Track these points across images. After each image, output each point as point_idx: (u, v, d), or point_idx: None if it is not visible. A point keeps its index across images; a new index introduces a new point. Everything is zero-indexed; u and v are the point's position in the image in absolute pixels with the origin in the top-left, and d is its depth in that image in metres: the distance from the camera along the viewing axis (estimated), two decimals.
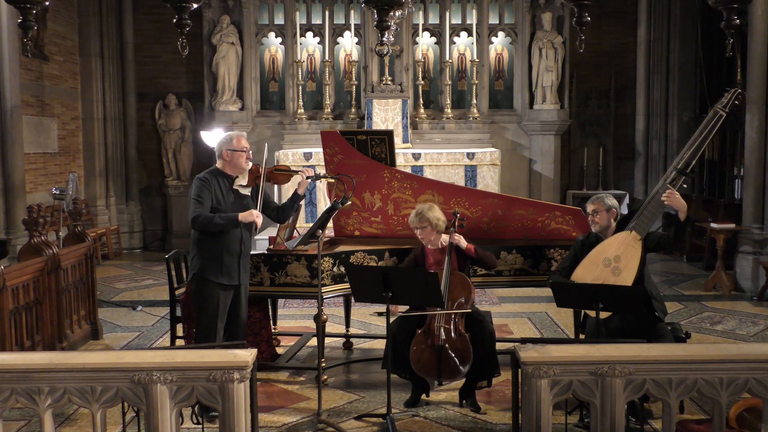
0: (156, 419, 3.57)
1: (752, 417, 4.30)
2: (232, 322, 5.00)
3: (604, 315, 4.61)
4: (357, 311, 7.48)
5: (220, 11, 11.40)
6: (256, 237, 9.26)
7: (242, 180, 4.96)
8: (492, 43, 11.79)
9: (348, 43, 11.55)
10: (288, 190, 8.02)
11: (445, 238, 5.25)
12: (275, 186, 9.45)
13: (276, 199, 9.77)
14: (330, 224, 5.97)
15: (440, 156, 10.63)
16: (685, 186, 4.97)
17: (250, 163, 4.96)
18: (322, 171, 5.42)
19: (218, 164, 4.95)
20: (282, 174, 5.18)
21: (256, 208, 4.94)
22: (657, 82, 12.11)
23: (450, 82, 11.42)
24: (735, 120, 9.51)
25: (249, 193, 5.02)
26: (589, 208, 5.01)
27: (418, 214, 5.21)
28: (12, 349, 5.57)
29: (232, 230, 4.84)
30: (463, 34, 11.67)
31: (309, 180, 5.13)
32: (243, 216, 4.81)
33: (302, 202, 5.58)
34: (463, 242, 5.17)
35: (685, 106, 11.83)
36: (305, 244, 5.53)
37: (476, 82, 11.42)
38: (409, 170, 9.98)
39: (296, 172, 5.22)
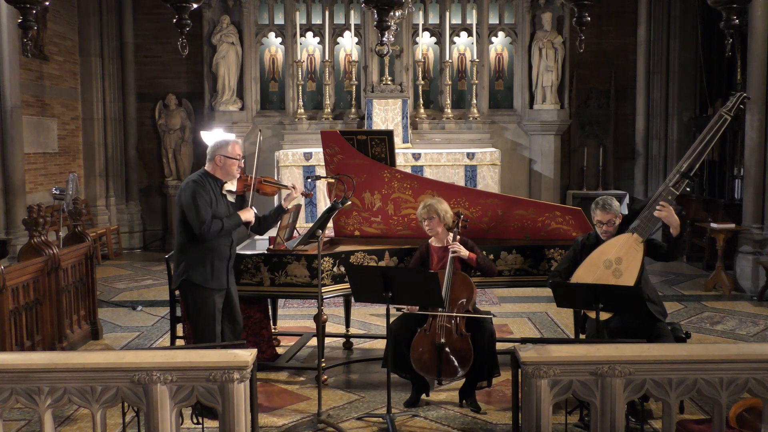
0: (156, 419, 3.57)
1: (752, 417, 4.31)
2: (227, 327, 5.00)
3: (604, 315, 4.60)
4: (357, 311, 7.48)
5: (220, 11, 11.39)
6: (256, 237, 9.24)
7: (231, 186, 4.98)
8: (492, 43, 11.79)
9: (348, 43, 11.55)
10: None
11: (450, 236, 5.26)
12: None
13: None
14: (330, 224, 5.97)
15: (440, 156, 10.63)
16: (688, 189, 4.96)
17: (240, 171, 5.00)
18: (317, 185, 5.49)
19: (208, 167, 4.93)
20: (270, 186, 5.22)
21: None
22: (657, 82, 12.10)
23: (450, 82, 11.41)
24: (735, 120, 9.48)
25: (234, 200, 5.04)
26: (603, 217, 4.85)
27: (426, 205, 5.25)
28: (12, 349, 5.57)
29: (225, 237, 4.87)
30: (463, 34, 11.67)
31: (297, 196, 5.19)
32: (244, 216, 4.91)
33: (302, 203, 5.60)
34: (464, 252, 5.17)
35: (685, 106, 11.82)
36: (305, 244, 5.53)
37: (476, 82, 11.42)
38: (409, 170, 9.98)
39: (284, 186, 5.31)
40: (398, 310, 5.19)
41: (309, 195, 5.59)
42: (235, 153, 4.90)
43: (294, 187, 5.19)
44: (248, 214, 4.94)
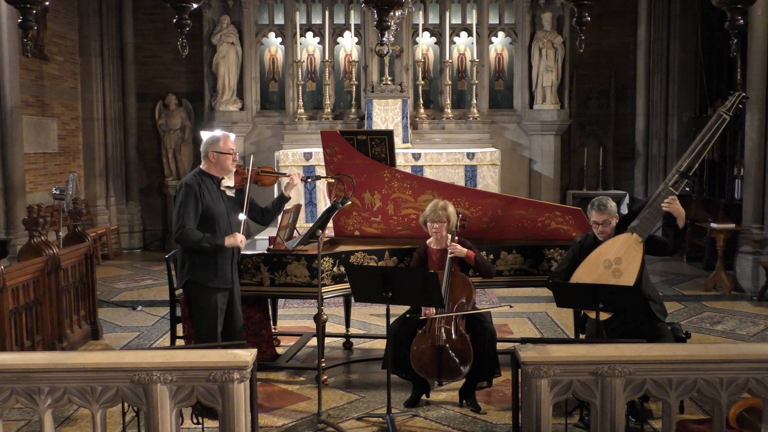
0: (156, 419, 3.57)
1: (752, 417, 4.30)
2: (228, 325, 4.99)
3: (604, 315, 4.61)
4: (357, 311, 7.48)
5: (220, 11, 11.40)
6: (256, 237, 9.27)
7: (229, 181, 4.94)
8: (492, 43, 11.79)
9: (348, 43, 11.55)
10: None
11: (448, 237, 5.25)
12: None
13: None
14: (330, 224, 5.97)
15: (440, 156, 10.63)
16: (687, 189, 4.97)
17: (235, 165, 4.96)
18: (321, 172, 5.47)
19: (203, 166, 4.89)
20: (268, 176, 5.18)
21: (242, 212, 4.94)
22: (657, 82, 12.10)
23: (450, 82, 11.41)
24: (735, 120, 9.48)
25: (234, 194, 5.00)
26: (599, 218, 4.85)
27: (441, 208, 5.19)
28: (12, 349, 5.57)
29: (224, 234, 4.85)
30: (463, 34, 11.67)
31: (297, 183, 5.15)
32: (228, 241, 4.79)
33: (303, 203, 5.59)
34: (461, 250, 5.16)
35: (685, 106, 11.83)
36: (305, 244, 5.53)
37: (476, 82, 11.42)
38: (409, 170, 9.98)
39: (282, 174, 5.26)
40: (413, 317, 5.12)
41: (308, 180, 5.58)
42: (227, 147, 4.83)
43: (291, 175, 5.16)
44: (232, 240, 4.80)
